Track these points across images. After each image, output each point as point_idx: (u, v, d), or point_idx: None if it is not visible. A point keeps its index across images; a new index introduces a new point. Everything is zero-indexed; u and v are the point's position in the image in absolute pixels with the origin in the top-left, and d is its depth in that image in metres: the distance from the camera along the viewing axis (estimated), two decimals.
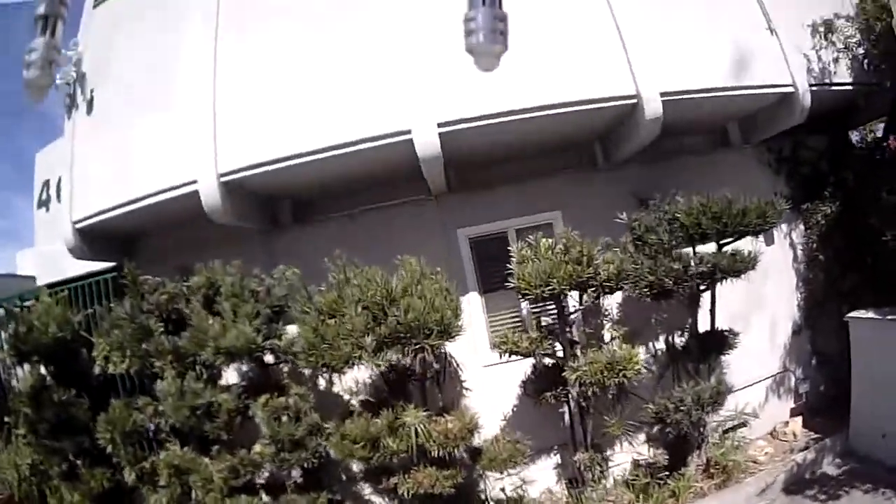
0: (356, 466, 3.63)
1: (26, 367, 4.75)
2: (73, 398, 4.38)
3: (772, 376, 4.33)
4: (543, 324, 3.52)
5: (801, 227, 4.52)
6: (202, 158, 3.57)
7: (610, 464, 3.82)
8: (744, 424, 3.91)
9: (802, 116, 3.94)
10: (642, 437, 3.90)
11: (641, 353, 3.93)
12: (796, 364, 4.40)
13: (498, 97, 3.33)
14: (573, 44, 3.52)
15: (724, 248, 3.51)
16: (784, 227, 4.46)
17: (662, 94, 3.49)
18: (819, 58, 4.01)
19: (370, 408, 3.28)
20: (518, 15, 2.75)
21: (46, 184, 5.26)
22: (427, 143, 3.31)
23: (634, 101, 3.50)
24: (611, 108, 3.57)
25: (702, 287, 3.47)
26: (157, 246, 4.47)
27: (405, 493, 3.21)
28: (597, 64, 3.51)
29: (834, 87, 4.10)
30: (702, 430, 3.69)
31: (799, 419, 4.20)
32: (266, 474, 3.68)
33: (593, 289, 3.25)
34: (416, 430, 3.04)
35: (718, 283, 3.54)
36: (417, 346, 2.83)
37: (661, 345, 4.04)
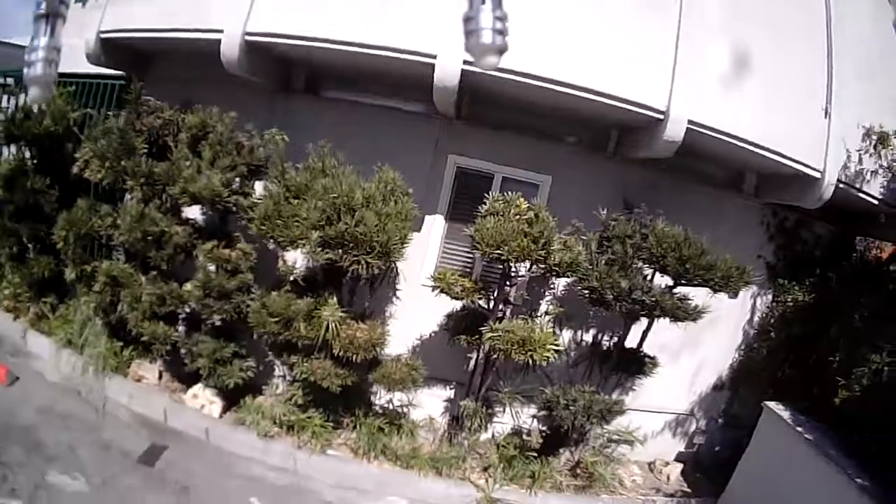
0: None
1: (12, 148, 4.99)
2: (45, 188, 4.66)
3: (676, 414, 4.53)
4: (485, 276, 3.66)
5: (769, 296, 4.57)
6: (234, 13, 3.60)
7: (494, 419, 4.09)
8: (628, 443, 4.14)
9: (816, 204, 3.92)
10: (533, 408, 4.12)
11: (567, 335, 4.17)
12: (704, 415, 4.60)
13: (533, 59, 3.32)
14: (623, 38, 3.45)
15: (675, 290, 3.56)
16: (754, 287, 4.52)
17: (689, 122, 3.46)
18: (860, 160, 3.92)
19: (297, 289, 3.50)
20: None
21: None
22: (447, 74, 3.33)
23: (661, 117, 3.47)
24: (634, 113, 3.55)
25: (641, 312, 3.58)
26: (169, 73, 4.58)
27: (298, 374, 3.49)
28: (639, 66, 3.46)
29: (860, 194, 4.04)
30: (583, 432, 3.92)
31: (680, 466, 4.44)
32: (188, 310, 3.96)
33: (542, 266, 3.36)
34: (327, 325, 3.27)
35: (656, 319, 3.64)
36: (355, 258, 2.99)
37: (588, 336, 4.20)
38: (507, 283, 3.54)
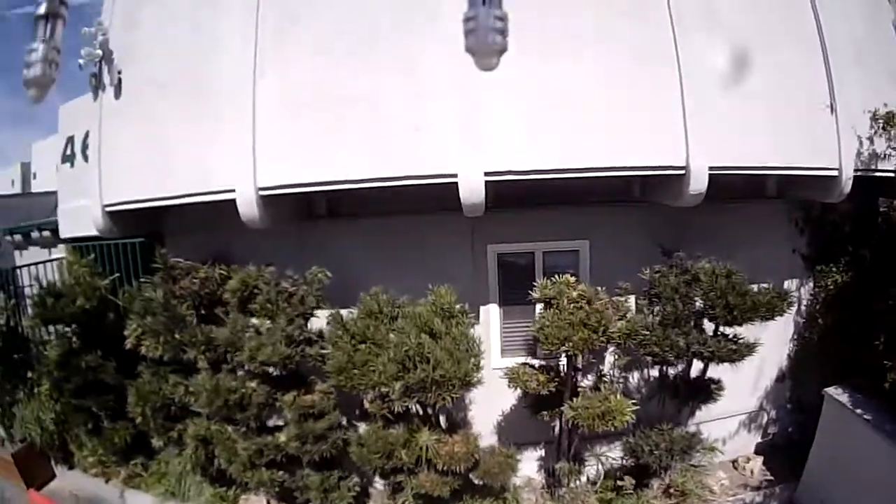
0: None
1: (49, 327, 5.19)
2: (100, 361, 4.91)
3: (747, 413, 4.95)
4: (552, 367, 3.97)
5: (811, 284, 4.85)
6: (241, 171, 3.73)
7: (585, 465, 4.48)
8: (711, 450, 4.54)
9: (839, 198, 4.11)
10: (619, 445, 4.49)
11: (636, 375, 4.53)
12: (772, 405, 5.00)
13: (547, 154, 3.47)
14: (634, 109, 3.57)
15: (727, 333, 3.85)
16: (795, 281, 4.81)
17: (711, 168, 3.63)
18: (871, 140, 4.08)
19: (387, 419, 3.81)
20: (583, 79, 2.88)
21: (71, 140, 5.31)
22: (472, 190, 3.49)
23: (682, 172, 3.64)
24: (658, 174, 3.72)
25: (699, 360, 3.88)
26: (187, 224, 4.69)
27: (409, 491, 3.87)
28: (651, 131, 3.60)
29: (878, 174, 4.22)
30: (671, 457, 4.32)
31: (760, 458, 4.88)
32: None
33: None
34: (426, 447, 3.62)
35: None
36: (439, 395, 3.28)
37: (655, 371, 4.56)
38: (573, 370, 3.84)
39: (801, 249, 4.74)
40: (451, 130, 3.47)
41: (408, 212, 4.22)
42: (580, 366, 3.99)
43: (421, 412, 3.85)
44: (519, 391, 4.30)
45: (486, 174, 3.45)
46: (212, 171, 3.85)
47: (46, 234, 7.40)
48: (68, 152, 5.39)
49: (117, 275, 5.15)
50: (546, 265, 4.28)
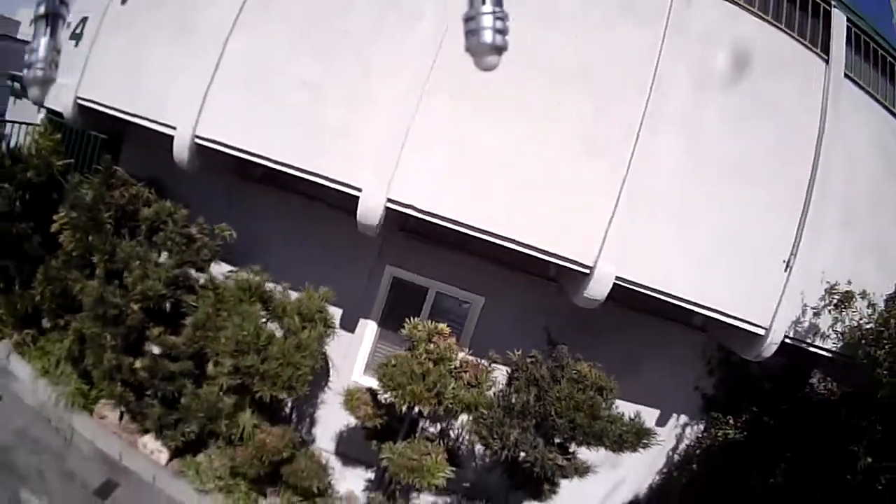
0: None
1: None
2: (29, 232, 5.50)
3: None
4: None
5: (702, 426, 4.88)
6: (187, 112, 4.10)
7: None
8: None
9: (756, 358, 4.08)
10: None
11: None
12: None
13: (458, 206, 3.66)
14: (563, 196, 3.70)
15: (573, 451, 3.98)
16: (684, 416, 4.86)
17: (617, 278, 3.73)
18: (817, 314, 4.05)
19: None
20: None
21: (84, 21, 5.86)
22: (370, 210, 3.73)
23: (586, 271, 3.75)
24: (563, 265, 3.85)
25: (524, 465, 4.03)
26: (142, 142, 5.15)
27: (223, 458, 4.28)
28: (569, 221, 3.72)
29: (812, 349, 4.19)
30: None
31: None
32: None
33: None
34: (244, 427, 4.00)
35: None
36: (263, 386, 3.63)
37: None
38: (420, 412, 4.09)
39: (705, 389, 4.74)
40: (377, 147, 3.72)
41: (334, 206, 4.51)
42: (415, 414, 4.20)
43: (255, 397, 4.21)
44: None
45: (389, 200, 3.69)
46: (165, 104, 4.26)
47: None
48: (78, 31, 5.93)
49: (72, 160, 5.71)
50: (436, 305, 4.49)
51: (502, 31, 0.87)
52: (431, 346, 3.81)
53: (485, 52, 0.87)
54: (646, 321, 4.41)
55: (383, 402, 3.68)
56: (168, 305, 4.26)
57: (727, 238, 3.92)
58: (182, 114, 4.04)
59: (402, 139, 3.60)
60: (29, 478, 4.21)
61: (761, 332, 4.04)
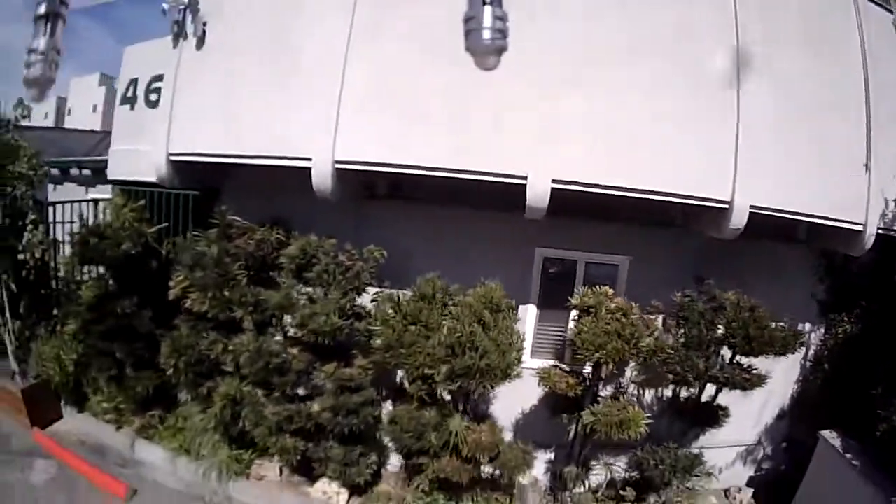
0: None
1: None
2: (136, 308, 5.36)
3: (745, 445, 5.73)
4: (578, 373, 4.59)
5: (822, 330, 5.56)
6: (321, 141, 4.30)
7: (591, 473, 5.19)
8: (708, 475, 5.16)
9: (861, 252, 4.85)
10: (624, 458, 5.21)
11: (649, 394, 5.21)
12: (769, 442, 5.79)
13: (610, 172, 4.14)
14: (695, 145, 4.25)
15: (741, 361, 4.63)
16: (808, 325, 5.49)
17: (752, 207, 4.29)
18: None
19: (421, 399, 4.36)
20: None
21: (134, 82, 5.77)
22: (539, 194, 4.14)
23: (727, 207, 4.30)
24: (705, 205, 4.36)
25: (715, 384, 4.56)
26: (246, 184, 5.24)
27: (429, 472, 4.41)
28: (705, 165, 4.29)
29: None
30: (668, 479, 4.95)
31: (751, 491, 5.64)
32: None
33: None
34: (456, 432, 4.17)
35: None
36: (481, 383, 3.85)
37: (668, 392, 5.26)
38: (599, 376, 4.45)
39: (819, 296, 5.50)
40: (528, 136, 4.06)
41: (465, 204, 4.87)
42: (603, 376, 4.58)
43: (450, 399, 4.39)
44: (541, 393, 4.96)
45: (554, 181, 4.05)
46: (289, 137, 4.45)
47: (87, 172, 7.77)
48: (129, 94, 5.83)
49: (165, 224, 5.58)
50: (586, 275, 4.89)
51: (503, 32, 0.93)
52: (613, 305, 4.15)
53: (485, 52, 0.94)
54: (759, 249, 5.04)
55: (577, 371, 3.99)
56: (335, 339, 4.32)
57: (821, 153, 4.57)
58: (317, 143, 4.25)
59: (552, 124, 3.96)
60: None
61: (860, 228, 4.80)
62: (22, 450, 5.60)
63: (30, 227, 5.91)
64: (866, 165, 4.91)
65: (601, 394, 4.88)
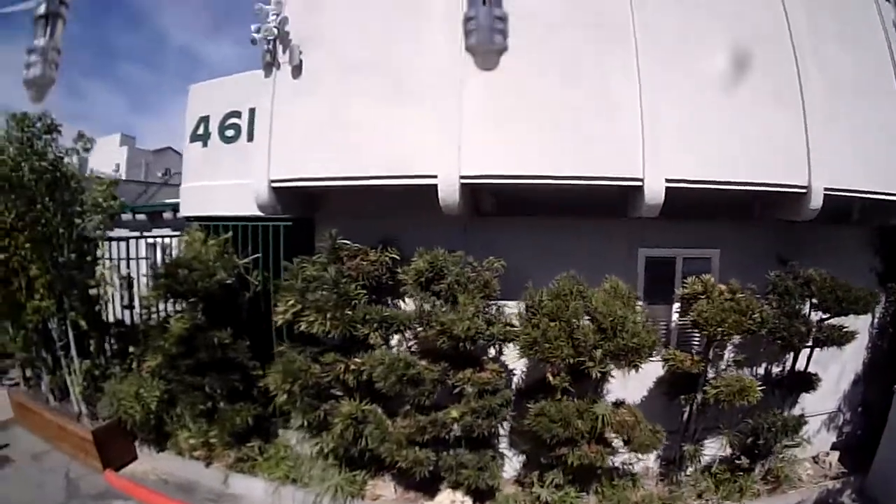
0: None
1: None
2: (232, 339, 5.82)
3: (827, 413, 6.86)
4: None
5: (883, 299, 6.81)
6: (446, 157, 5.03)
7: (703, 452, 6.15)
8: (799, 445, 6.20)
9: None
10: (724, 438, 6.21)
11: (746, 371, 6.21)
12: (847, 408, 6.91)
13: (713, 168, 5.17)
14: (773, 137, 5.36)
15: (831, 322, 5.77)
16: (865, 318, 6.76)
17: (826, 189, 5.45)
18: None
19: (552, 391, 5.13)
20: None
21: (205, 120, 6.30)
22: (655, 193, 5.09)
23: (804, 191, 5.44)
24: (786, 192, 5.46)
25: (814, 346, 5.63)
26: (342, 209, 5.87)
27: (571, 462, 5.14)
28: (781, 155, 5.42)
29: None
30: (773, 447, 5.94)
31: (836, 454, 6.69)
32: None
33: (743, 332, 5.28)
34: (602, 417, 4.95)
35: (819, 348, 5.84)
36: (632, 361, 4.69)
37: (760, 370, 6.34)
38: (707, 358, 5.43)
39: (876, 268, 6.71)
40: (638, 140, 5.01)
41: (568, 214, 5.78)
42: (711, 357, 5.53)
43: (587, 389, 5.19)
44: (656, 377, 5.82)
45: (667, 181, 5.01)
46: (411, 156, 5.14)
47: (140, 216, 8.20)
48: (200, 132, 6.34)
49: (258, 255, 6.08)
50: (684, 269, 5.87)
51: (502, 32, 1.01)
52: (723, 287, 5.14)
53: (485, 52, 1.04)
54: (823, 230, 6.30)
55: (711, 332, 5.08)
56: (474, 344, 5.04)
57: (875, 130, 5.78)
58: (443, 159, 4.96)
59: (664, 126, 4.94)
60: None
61: None
62: (93, 493, 6.04)
63: (100, 261, 6.20)
64: None
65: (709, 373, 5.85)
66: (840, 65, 5.92)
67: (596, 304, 4.94)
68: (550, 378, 5.07)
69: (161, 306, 6.30)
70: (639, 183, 5.12)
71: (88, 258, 6.41)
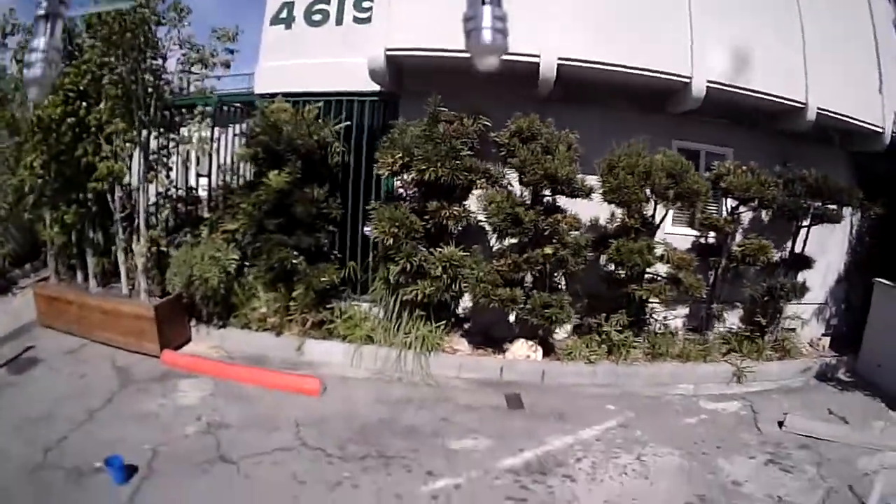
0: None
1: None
2: (326, 195, 8.45)
3: (818, 304, 10.89)
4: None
5: (859, 214, 10.96)
6: (549, 41, 8.27)
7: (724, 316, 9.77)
8: (800, 319, 9.99)
9: (881, 149, 10.41)
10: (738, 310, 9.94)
11: None
12: (833, 303, 10.90)
13: (742, 74, 8.87)
14: (784, 60, 9.29)
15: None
16: (848, 210, 10.78)
17: (818, 109, 9.50)
18: None
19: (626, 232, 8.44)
20: None
21: (288, 5, 9.20)
22: (699, 90, 8.69)
23: (802, 106, 9.44)
24: (786, 105, 9.37)
25: (804, 224, 9.49)
26: (423, 88, 9.00)
27: (635, 298, 8.37)
28: (780, 74, 9.31)
29: None
30: (779, 315, 9.57)
31: (827, 339, 10.53)
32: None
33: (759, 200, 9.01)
34: (663, 255, 8.28)
35: (814, 225, 9.75)
36: (692, 202, 8.16)
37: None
38: (734, 214, 9.08)
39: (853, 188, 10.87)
40: (688, 46, 8.66)
41: (617, 108, 9.36)
42: (731, 229, 9.20)
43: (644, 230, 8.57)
44: (690, 243, 9.41)
45: (708, 81, 8.73)
46: (515, 40, 8.27)
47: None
48: (283, 15, 9.25)
49: (349, 122, 8.85)
50: (707, 161, 9.88)
51: (503, 32, 1.35)
52: (744, 167, 8.86)
53: (485, 52, 1.35)
54: (812, 150, 10.39)
55: (741, 195, 8.65)
56: (570, 187, 8.26)
57: (855, 73, 10.00)
58: (544, 44, 8.22)
59: (710, 36, 8.66)
60: (439, 432, 6.58)
61: (881, 130, 10.27)
62: (151, 377, 7.35)
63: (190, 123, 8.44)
64: (879, 89, 10.50)
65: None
66: (835, 14, 10.13)
67: (662, 160, 8.30)
68: (627, 219, 8.31)
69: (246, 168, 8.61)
70: (687, 80, 8.81)
71: (177, 119, 8.59)
